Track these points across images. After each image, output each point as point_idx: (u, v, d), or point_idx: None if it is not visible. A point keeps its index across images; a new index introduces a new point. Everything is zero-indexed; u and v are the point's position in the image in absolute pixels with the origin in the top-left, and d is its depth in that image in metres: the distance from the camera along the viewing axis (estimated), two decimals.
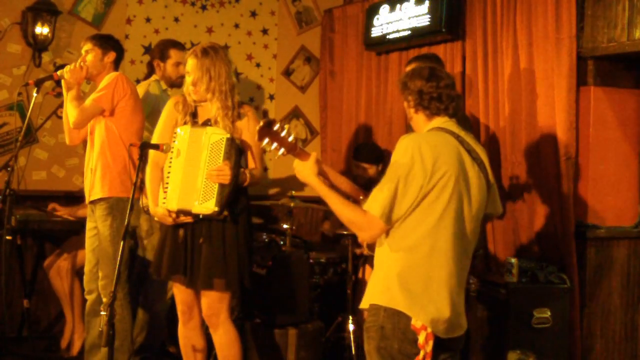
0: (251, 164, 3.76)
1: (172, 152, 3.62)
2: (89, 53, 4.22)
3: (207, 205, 3.57)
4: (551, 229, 4.42)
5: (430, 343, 2.62)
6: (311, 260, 4.88)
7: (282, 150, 2.78)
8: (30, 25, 5.46)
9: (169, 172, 3.66)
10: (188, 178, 3.60)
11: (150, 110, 4.54)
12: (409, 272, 2.67)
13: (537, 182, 4.52)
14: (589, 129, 4.34)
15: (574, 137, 4.29)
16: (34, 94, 4.25)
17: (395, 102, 5.66)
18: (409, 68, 4.40)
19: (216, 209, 3.55)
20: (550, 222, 4.43)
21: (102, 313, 3.38)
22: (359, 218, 2.68)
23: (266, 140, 2.76)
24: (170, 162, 3.66)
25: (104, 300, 3.48)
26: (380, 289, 2.72)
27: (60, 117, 5.46)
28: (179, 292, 3.78)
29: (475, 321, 4.40)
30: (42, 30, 5.46)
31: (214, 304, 3.69)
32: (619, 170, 4.42)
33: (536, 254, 4.52)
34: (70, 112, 4.10)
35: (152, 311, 4.69)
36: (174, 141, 3.65)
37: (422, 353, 2.61)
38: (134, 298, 4.42)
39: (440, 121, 2.83)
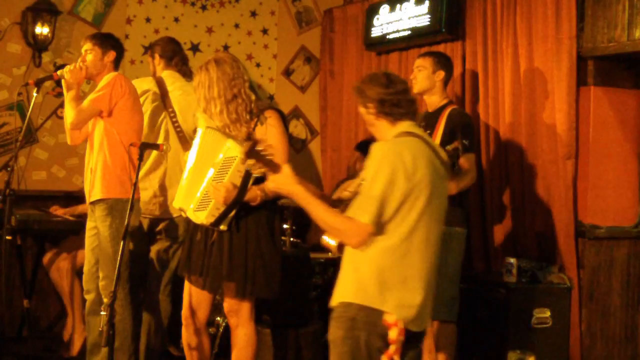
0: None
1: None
2: (88, 53, 4.22)
3: (198, 215, 3.51)
4: (551, 229, 4.42)
5: (401, 339, 2.71)
6: (311, 261, 4.88)
7: (262, 168, 2.89)
8: (30, 25, 5.46)
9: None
10: (194, 180, 3.55)
11: None
12: (386, 271, 2.76)
13: (537, 182, 4.52)
14: (589, 129, 4.33)
15: (574, 137, 4.29)
16: (34, 94, 4.23)
17: None
18: (418, 62, 4.41)
19: (205, 222, 3.50)
20: (550, 222, 4.43)
21: (102, 313, 3.39)
22: (346, 225, 2.75)
23: (251, 161, 2.87)
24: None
25: (105, 300, 3.47)
26: (355, 287, 2.79)
27: (60, 117, 5.46)
28: (189, 294, 3.74)
29: (475, 321, 4.40)
30: (42, 30, 5.46)
31: (233, 305, 3.68)
32: (619, 170, 4.42)
33: (536, 254, 4.52)
34: (68, 112, 4.10)
35: (153, 311, 4.69)
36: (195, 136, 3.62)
37: (393, 347, 2.70)
38: (135, 298, 4.41)
39: (405, 126, 2.90)
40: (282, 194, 2.98)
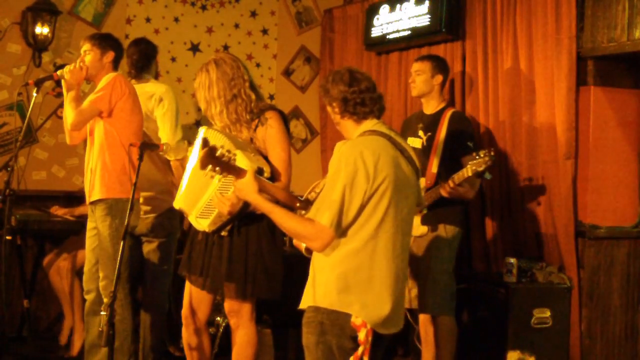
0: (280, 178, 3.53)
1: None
2: (87, 54, 4.22)
3: (201, 222, 3.51)
4: (551, 229, 4.42)
5: (370, 340, 2.70)
6: None
7: (223, 173, 2.88)
8: (30, 25, 5.46)
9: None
10: (196, 185, 3.51)
11: None
12: (351, 274, 2.73)
13: (537, 182, 4.52)
14: (589, 129, 4.33)
15: (574, 137, 4.29)
16: (34, 94, 4.24)
17: (395, 102, 5.66)
18: (416, 66, 4.40)
19: (207, 229, 3.50)
20: (550, 222, 4.43)
21: (102, 313, 3.39)
22: (307, 229, 2.72)
23: (209, 167, 2.84)
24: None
25: (105, 300, 3.47)
26: (321, 291, 2.77)
27: (60, 117, 5.46)
28: (189, 293, 3.74)
29: (475, 321, 4.40)
30: (42, 30, 5.46)
31: (234, 306, 3.67)
32: (619, 170, 4.42)
33: (536, 254, 4.52)
34: (68, 113, 4.10)
35: (150, 311, 4.68)
36: (197, 136, 3.55)
37: (361, 348, 2.69)
38: (134, 298, 4.41)
39: (370, 124, 2.87)
40: (243, 199, 2.97)
